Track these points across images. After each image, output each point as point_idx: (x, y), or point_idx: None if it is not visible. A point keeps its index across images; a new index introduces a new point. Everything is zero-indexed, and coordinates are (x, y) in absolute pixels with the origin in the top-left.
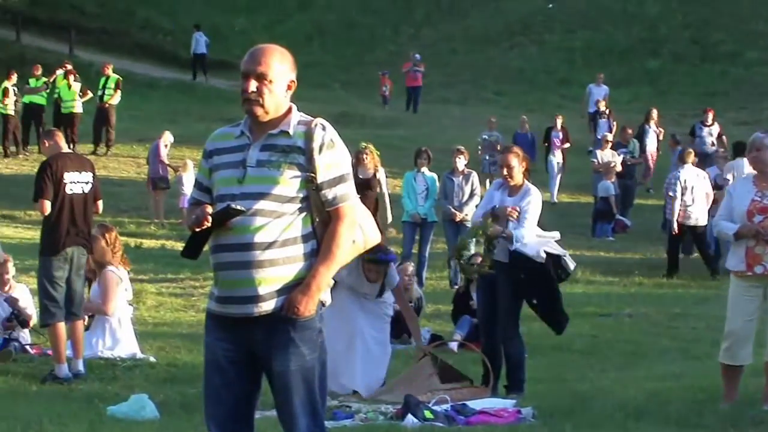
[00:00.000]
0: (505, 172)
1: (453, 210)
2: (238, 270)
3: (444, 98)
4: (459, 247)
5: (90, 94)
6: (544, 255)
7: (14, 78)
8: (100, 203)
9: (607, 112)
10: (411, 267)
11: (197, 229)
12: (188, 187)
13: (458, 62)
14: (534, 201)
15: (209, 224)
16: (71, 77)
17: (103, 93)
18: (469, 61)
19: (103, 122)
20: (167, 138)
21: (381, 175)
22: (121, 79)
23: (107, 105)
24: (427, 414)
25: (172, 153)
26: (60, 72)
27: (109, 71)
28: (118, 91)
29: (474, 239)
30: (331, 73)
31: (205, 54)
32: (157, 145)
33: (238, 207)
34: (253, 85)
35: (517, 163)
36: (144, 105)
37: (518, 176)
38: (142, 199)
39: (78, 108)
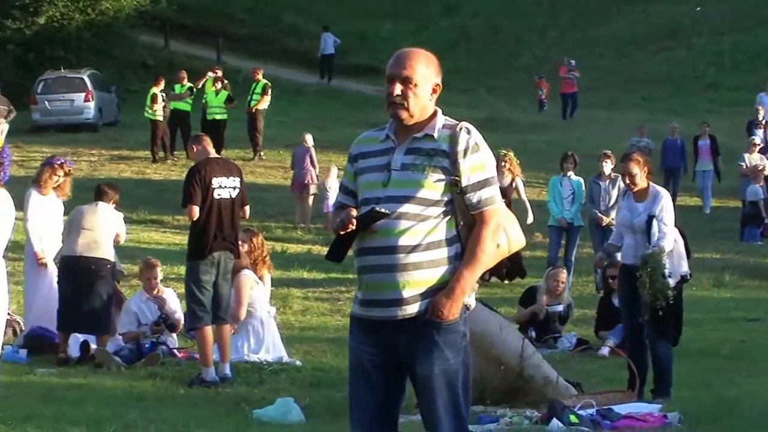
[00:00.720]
0: (627, 180)
1: (599, 214)
2: (382, 273)
3: (591, 103)
4: (661, 290)
5: (236, 104)
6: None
7: (162, 84)
8: (247, 208)
9: (764, 122)
10: (564, 273)
11: (342, 233)
12: (333, 192)
13: (605, 67)
14: (666, 205)
15: (354, 227)
16: (219, 84)
17: (252, 98)
18: (615, 65)
19: (252, 128)
20: (310, 141)
21: (519, 183)
22: (269, 84)
23: (255, 110)
24: (573, 418)
25: (317, 158)
26: (210, 75)
27: (259, 76)
28: (266, 96)
29: (665, 279)
30: (477, 79)
31: (333, 55)
32: (307, 150)
33: (383, 210)
34: (398, 89)
35: (638, 170)
36: (291, 111)
37: (641, 182)
38: (289, 204)
39: (222, 115)
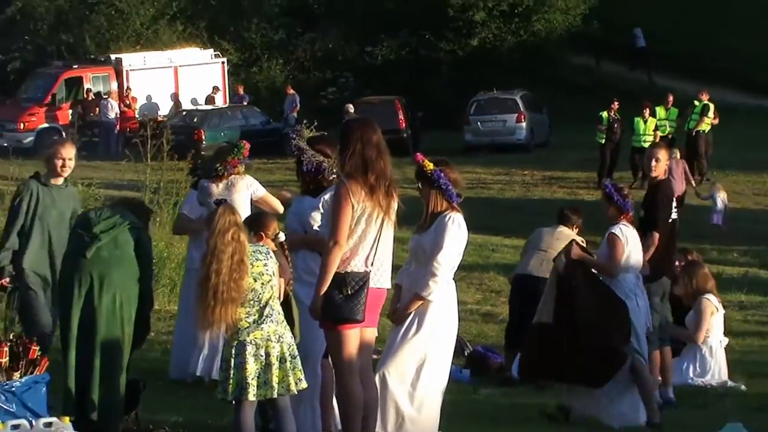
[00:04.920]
0: None
1: None
2: None
3: None
4: None
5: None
6: None
7: (615, 107)
8: None
9: None
10: None
11: None
12: (720, 204)
13: None
14: None
15: None
16: (647, 111)
17: (690, 119)
18: None
19: (693, 150)
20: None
21: None
22: (710, 105)
23: (694, 132)
24: None
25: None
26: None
27: (704, 97)
28: (704, 118)
29: None
30: None
31: (645, 47)
32: (678, 163)
33: None
34: None
35: None
36: (723, 131)
37: None
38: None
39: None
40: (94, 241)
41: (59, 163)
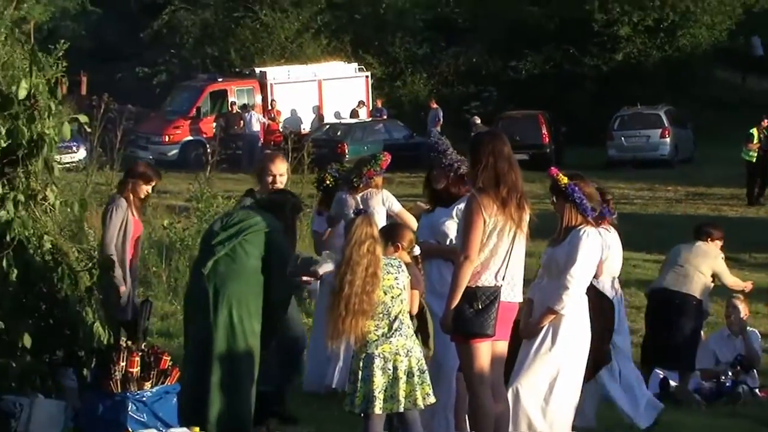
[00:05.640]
0: None
1: None
2: None
3: None
4: None
5: None
6: None
7: (766, 123)
8: None
9: None
10: None
11: None
12: None
13: None
14: None
15: None
16: None
17: None
18: None
19: None
20: None
21: None
22: None
23: None
24: None
25: None
26: None
27: None
28: None
29: None
30: None
31: (762, 55)
32: None
33: None
34: None
35: None
36: None
37: None
38: None
39: None
40: (210, 255)
41: (270, 179)
